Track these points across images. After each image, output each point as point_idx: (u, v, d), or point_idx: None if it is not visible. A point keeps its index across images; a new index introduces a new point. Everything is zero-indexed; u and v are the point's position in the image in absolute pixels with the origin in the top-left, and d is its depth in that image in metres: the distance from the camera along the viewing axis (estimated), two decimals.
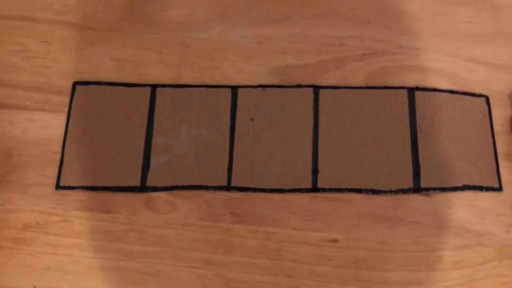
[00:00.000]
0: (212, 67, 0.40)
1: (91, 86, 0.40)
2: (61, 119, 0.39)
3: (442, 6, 0.43)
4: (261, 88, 0.39)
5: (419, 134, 0.38)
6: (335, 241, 0.36)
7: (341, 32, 0.42)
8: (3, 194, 0.37)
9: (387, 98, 0.39)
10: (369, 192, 0.37)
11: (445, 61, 0.41)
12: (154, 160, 0.38)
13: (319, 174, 0.37)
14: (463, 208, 0.37)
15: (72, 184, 0.37)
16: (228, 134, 0.38)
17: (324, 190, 0.37)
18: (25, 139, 0.38)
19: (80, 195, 0.37)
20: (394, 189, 0.37)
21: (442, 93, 0.39)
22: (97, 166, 0.37)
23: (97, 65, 0.41)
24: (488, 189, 0.37)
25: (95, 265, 0.35)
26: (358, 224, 0.36)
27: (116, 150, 0.38)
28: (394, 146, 0.38)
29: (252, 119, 0.39)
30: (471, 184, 0.37)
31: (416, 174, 0.37)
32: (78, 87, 0.40)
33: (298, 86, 0.40)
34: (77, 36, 0.42)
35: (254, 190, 0.37)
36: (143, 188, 0.37)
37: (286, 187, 0.37)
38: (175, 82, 0.40)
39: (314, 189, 0.37)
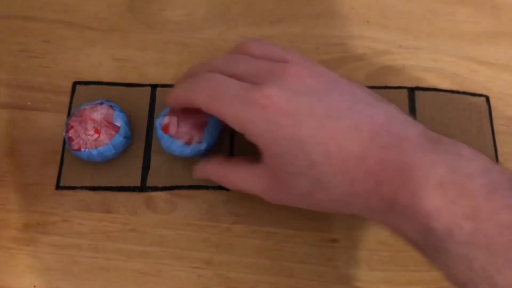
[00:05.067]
0: None
1: (91, 86, 0.40)
2: (61, 119, 0.39)
3: (442, 6, 0.43)
4: None
5: None
6: (335, 241, 0.36)
7: (341, 32, 0.42)
8: (3, 194, 0.37)
9: (387, 98, 0.39)
10: None
11: (445, 61, 0.41)
12: (154, 160, 0.38)
13: None
14: None
15: (72, 184, 0.37)
16: (228, 134, 0.38)
17: None
18: (25, 139, 0.38)
19: (80, 195, 0.37)
20: None
21: (442, 93, 0.39)
22: (97, 166, 0.37)
23: (97, 65, 0.41)
24: None
25: (95, 265, 0.35)
26: (358, 224, 0.36)
27: None
28: None
29: None
30: None
31: None
32: (78, 87, 0.40)
33: None
34: (77, 36, 0.42)
35: None
36: (143, 188, 0.37)
37: None
38: (175, 82, 0.40)
39: None
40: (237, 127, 0.29)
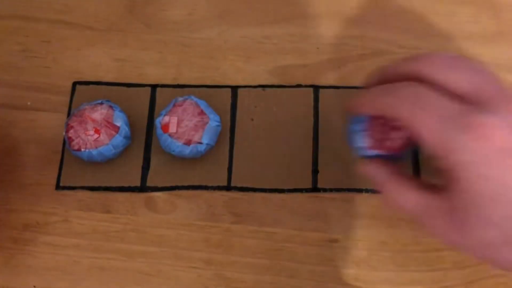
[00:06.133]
0: (212, 67, 0.40)
1: (91, 86, 0.40)
2: (61, 119, 0.39)
3: (442, 6, 0.43)
4: (261, 88, 0.39)
5: None
6: (335, 241, 0.36)
7: (341, 32, 0.42)
8: (3, 194, 0.37)
9: None
10: (369, 192, 0.37)
11: None
12: (154, 160, 0.38)
13: (319, 174, 0.37)
14: None
15: (72, 184, 0.37)
16: (228, 134, 0.38)
17: (324, 190, 0.37)
18: (25, 139, 0.38)
19: (80, 195, 0.37)
20: None
21: None
22: (97, 166, 0.37)
23: (97, 65, 0.41)
24: None
25: (95, 265, 0.35)
26: (358, 224, 0.36)
27: None
28: None
29: (252, 119, 0.39)
30: None
31: (416, 173, 0.37)
32: (78, 87, 0.40)
33: (298, 86, 0.40)
34: (77, 36, 0.42)
35: (254, 190, 0.37)
36: (143, 188, 0.37)
37: (286, 187, 0.37)
38: (175, 82, 0.40)
39: (314, 189, 0.37)
40: (437, 150, 0.25)
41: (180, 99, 0.36)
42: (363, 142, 0.31)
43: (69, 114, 0.39)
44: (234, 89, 0.39)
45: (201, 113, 0.36)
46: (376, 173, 0.30)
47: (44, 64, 0.41)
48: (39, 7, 0.43)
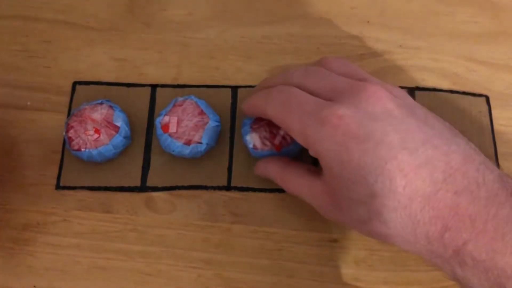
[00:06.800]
0: (212, 67, 0.40)
1: (91, 86, 0.40)
2: (61, 119, 0.39)
3: (442, 6, 0.43)
4: None
5: None
6: (335, 241, 0.36)
7: (341, 31, 0.42)
8: (3, 194, 0.37)
9: None
10: None
11: (445, 61, 0.41)
12: (154, 160, 0.38)
13: None
14: None
15: (72, 184, 0.37)
16: (228, 134, 0.38)
17: None
18: (25, 139, 0.38)
19: (80, 195, 0.37)
20: None
21: (442, 93, 0.39)
22: (97, 166, 0.37)
23: (97, 65, 0.41)
24: None
25: (95, 265, 0.35)
26: None
27: None
28: None
29: None
30: None
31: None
32: (78, 87, 0.40)
33: None
34: (77, 36, 0.42)
35: (254, 190, 0.37)
36: (143, 188, 0.37)
37: None
38: (175, 82, 0.40)
39: None
40: (302, 142, 0.29)
41: (180, 99, 0.36)
42: (251, 143, 0.35)
43: (69, 114, 0.39)
44: (234, 89, 0.39)
45: (201, 113, 0.36)
46: (268, 170, 0.34)
47: (44, 64, 0.41)
48: (39, 7, 0.43)
